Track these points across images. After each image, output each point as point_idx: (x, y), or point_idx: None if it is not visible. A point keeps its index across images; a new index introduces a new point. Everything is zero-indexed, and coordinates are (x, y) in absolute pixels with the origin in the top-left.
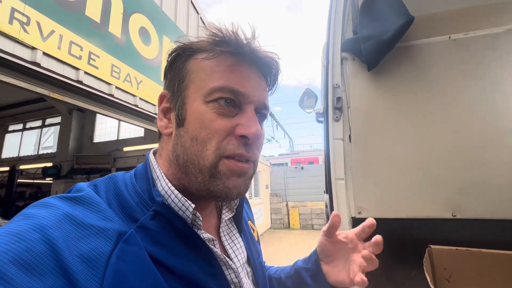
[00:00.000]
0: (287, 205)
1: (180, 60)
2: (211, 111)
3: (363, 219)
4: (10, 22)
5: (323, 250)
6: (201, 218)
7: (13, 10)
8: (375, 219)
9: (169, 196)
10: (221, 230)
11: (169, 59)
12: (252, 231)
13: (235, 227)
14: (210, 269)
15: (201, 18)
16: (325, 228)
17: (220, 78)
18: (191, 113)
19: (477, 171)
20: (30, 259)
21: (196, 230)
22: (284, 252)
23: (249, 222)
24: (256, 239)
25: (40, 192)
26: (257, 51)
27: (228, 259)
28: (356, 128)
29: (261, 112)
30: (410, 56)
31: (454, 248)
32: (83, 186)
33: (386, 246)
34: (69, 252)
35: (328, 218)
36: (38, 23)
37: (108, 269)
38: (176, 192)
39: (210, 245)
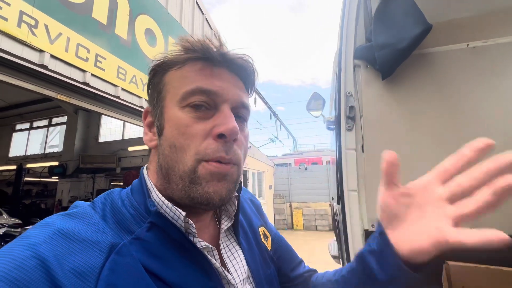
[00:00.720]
0: (290, 205)
1: (157, 76)
2: (186, 116)
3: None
4: (19, 25)
5: (386, 211)
6: (194, 225)
7: (21, 13)
8: None
9: (161, 207)
10: (220, 241)
11: (149, 77)
12: (265, 239)
13: (235, 237)
14: (208, 282)
15: (206, 18)
16: (383, 179)
17: (191, 81)
18: (168, 121)
19: None
20: (21, 276)
21: (192, 239)
22: None
23: (262, 228)
24: (269, 247)
25: (46, 191)
26: (226, 54)
27: (226, 273)
28: (369, 138)
29: (240, 112)
30: (426, 64)
31: (472, 265)
32: (80, 203)
33: None
34: (60, 266)
35: (338, 227)
36: (46, 26)
37: (100, 281)
38: (166, 202)
39: (209, 256)
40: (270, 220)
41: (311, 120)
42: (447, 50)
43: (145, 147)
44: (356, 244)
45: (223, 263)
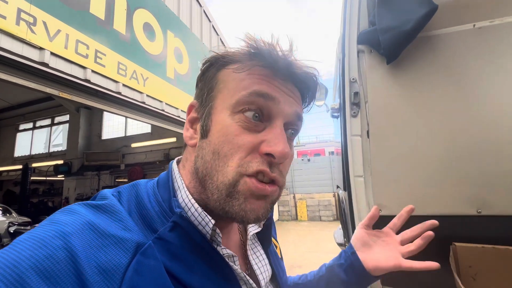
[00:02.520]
0: (294, 197)
1: (211, 70)
2: (236, 124)
3: (384, 217)
4: (17, 23)
5: (360, 240)
6: (220, 235)
7: (19, 10)
8: (396, 216)
9: (189, 209)
10: (248, 247)
11: (202, 68)
12: (275, 248)
13: (259, 242)
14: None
15: (204, 10)
16: (364, 221)
17: (249, 85)
18: (216, 124)
19: (504, 165)
20: (50, 266)
21: (215, 246)
22: (292, 244)
23: (273, 239)
24: (280, 256)
25: (53, 189)
26: (293, 65)
27: (248, 277)
28: (374, 124)
29: (294, 125)
30: (432, 46)
31: (479, 245)
32: (107, 194)
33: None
34: (88, 262)
35: (344, 214)
36: (45, 23)
37: (124, 283)
38: (196, 205)
39: (230, 262)
40: (275, 211)
41: (312, 111)
42: (453, 32)
43: (148, 143)
44: None
45: (245, 268)
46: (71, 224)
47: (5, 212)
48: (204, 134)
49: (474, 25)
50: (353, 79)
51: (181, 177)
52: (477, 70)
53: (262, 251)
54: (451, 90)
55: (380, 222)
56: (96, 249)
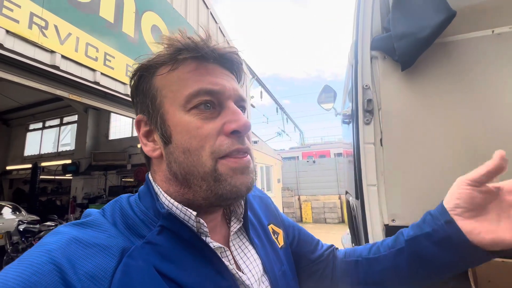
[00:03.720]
0: (299, 199)
1: (145, 81)
2: (194, 119)
3: (397, 227)
4: (30, 27)
5: (467, 202)
6: (205, 225)
7: (32, 14)
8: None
9: (170, 209)
10: (231, 243)
11: (132, 83)
12: (276, 236)
13: (247, 238)
14: (222, 283)
15: (211, 12)
16: (474, 176)
17: (192, 83)
18: (175, 126)
19: None
20: (38, 281)
21: (204, 238)
22: None
23: (271, 226)
24: (282, 243)
25: (61, 188)
26: (216, 49)
27: (241, 273)
28: (388, 132)
29: (240, 105)
30: (448, 53)
31: (499, 259)
32: (91, 211)
33: None
34: (74, 270)
35: (356, 222)
36: (56, 27)
37: (113, 284)
38: (176, 203)
39: (222, 256)
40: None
41: (318, 112)
42: (471, 38)
43: None
44: (376, 239)
45: (235, 264)
46: (55, 242)
47: (14, 210)
48: (167, 140)
49: (493, 31)
50: (366, 85)
51: (156, 184)
52: (496, 77)
53: (250, 247)
54: (469, 98)
55: (394, 233)
56: (82, 259)
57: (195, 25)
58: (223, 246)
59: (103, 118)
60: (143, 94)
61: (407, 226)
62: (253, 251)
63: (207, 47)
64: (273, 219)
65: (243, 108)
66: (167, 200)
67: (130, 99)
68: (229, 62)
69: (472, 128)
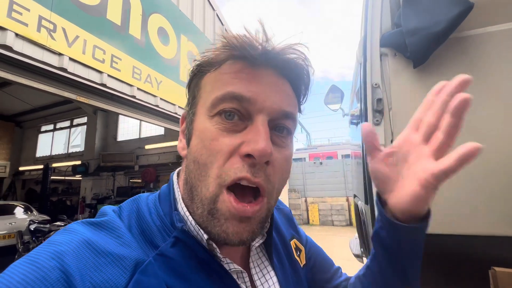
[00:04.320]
0: (306, 201)
1: (195, 79)
2: (213, 127)
3: None
4: (38, 30)
5: (379, 177)
6: (218, 250)
7: (40, 18)
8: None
9: (186, 222)
10: (250, 260)
11: (189, 80)
12: (298, 253)
13: (266, 256)
14: None
15: (217, 14)
16: (369, 149)
17: (223, 85)
18: (195, 131)
19: None
20: None
21: (220, 261)
22: None
23: (294, 241)
24: (304, 262)
25: (71, 188)
26: (270, 52)
27: None
28: (399, 133)
29: (281, 123)
30: (464, 48)
31: None
32: (107, 210)
33: (439, 266)
34: (83, 283)
35: (365, 227)
36: (64, 29)
37: None
38: (190, 218)
39: (239, 281)
40: None
41: (324, 113)
42: (490, 32)
43: (161, 145)
44: None
45: (253, 286)
46: (67, 243)
47: (26, 210)
48: (187, 142)
49: None
50: (375, 84)
51: (178, 187)
52: None
53: (270, 267)
54: (487, 96)
55: None
56: (93, 269)
57: (201, 26)
58: (240, 268)
59: (111, 120)
60: (189, 91)
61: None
62: (272, 273)
63: (256, 48)
64: (295, 233)
65: (285, 130)
66: (183, 211)
67: (136, 100)
68: (285, 67)
69: (492, 128)
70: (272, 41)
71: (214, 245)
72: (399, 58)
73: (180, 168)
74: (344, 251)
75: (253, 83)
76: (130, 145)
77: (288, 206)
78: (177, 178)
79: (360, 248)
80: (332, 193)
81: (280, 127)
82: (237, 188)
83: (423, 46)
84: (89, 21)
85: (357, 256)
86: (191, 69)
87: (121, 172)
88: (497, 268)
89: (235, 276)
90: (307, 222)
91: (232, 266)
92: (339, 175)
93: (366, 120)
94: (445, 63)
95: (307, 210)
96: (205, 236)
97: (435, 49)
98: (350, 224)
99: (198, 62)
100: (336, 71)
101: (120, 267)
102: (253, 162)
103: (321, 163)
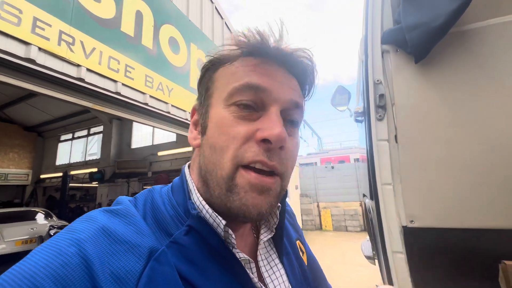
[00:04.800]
0: (318, 206)
1: (208, 73)
2: (230, 115)
3: (417, 229)
4: (59, 44)
5: None
6: (233, 236)
7: (60, 32)
8: (432, 229)
9: (201, 211)
10: (258, 253)
11: (200, 74)
12: (302, 253)
13: (275, 250)
14: None
15: (225, 23)
16: None
17: (240, 77)
18: (212, 119)
19: None
20: (65, 274)
21: (231, 249)
22: (316, 254)
23: (298, 242)
24: (306, 263)
25: (88, 195)
26: (283, 50)
27: None
28: (403, 127)
29: (292, 114)
30: (466, 42)
31: None
32: (123, 199)
33: (448, 260)
34: (102, 268)
35: (372, 224)
36: (82, 42)
37: None
38: (207, 206)
39: (247, 269)
40: (298, 221)
41: (335, 117)
42: (492, 25)
43: (173, 151)
44: (394, 242)
45: (260, 278)
46: (85, 230)
47: (47, 216)
48: (203, 131)
49: None
50: (377, 80)
51: (191, 178)
52: None
53: (277, 260)
54: (490, 89)
55: (413, 235)
56: (110, 255)
57: (210, 34)
58: (248, 258)
59: (126, 128)
60: (202, 85)
61: (427, 229)
62: (280, 266)
63: (271, 46)
64: (299, 235)
65: (294, 122)
66: (198, 200)
67: (148, 107)
68: (294, 66)
69: (496, 120)
70: (285, 40)
71: (230, 231)
72: (401, 54)
73: (190, 161)
74: (356, 257)
75: (269, 76)
76: (143, 152)
77: (299, 210)
78: (189, 170)
79: (373, 251)
80: (345, 198)
81: (289, 119)
82: (252, 171)
83: (423, 41)
84: (105, 33)
85: (368, 257)
86: (204, 64)
87: (135, 178)
88: (507, 262)
89: (243, 265)
90: (320, 228)
91: (242, 255)
92: (351, 179)
93: (369, 117)
94: (446, 57)
95: (320, 215)
96: (223, 222)
97: (436, 43)
98: (365, 229)
99: (210, 58)
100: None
101: (135, 255)
102: (268, 147)
103: (332, 167)
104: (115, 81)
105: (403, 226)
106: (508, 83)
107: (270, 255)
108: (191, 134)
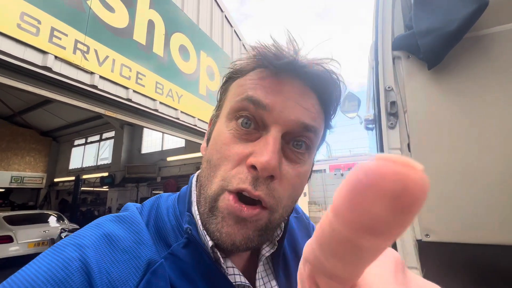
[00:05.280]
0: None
1: (225, 85)
2: (228, 132)
3: (432, 243)
4: (74, 52)
5: None
6: (222, 261)
7: (76, 41)
8: (449, 243)
9: (196, 224)
10: (257, 276)
11: (221, 85)
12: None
13: (273, 270)
14: None
15: (235, 31)
16: None
17: (244, 90)
18: (215, 132)
19: None
20: (64, 277)
21: (224, 270)
22: None
23: None
24: None
25: (99, 199)
26: (297, 62)
27: None
28: (416, 136)
29: (300, 137)
30: (482, 47)
31: None
32: (130, 206)
33: (466, 277)
34: (100, 276)
35: None
36: (96, 51)
37: None
38: (199, 223)
39: None
40: None
41: (345, 124)
42: (509, 29)
43: (182, 156)
44: (408, 257)
45: None
46: (89, 236)
47: (58, 219)
48: (208, 143)
49: None
50: (388, 87)
51: (195, 189)
52: None
53: (274, 282)
54: (509, 96)
55: (428, 250)
56: (110, 263)
57: (219, 42)
58: (246, 283)
59: (136, 134)
60: (219, 96)
61: (443, 243)
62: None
63: (282, 57)
64: None
65: (301, 143)
66: (195, 213)
67: (158, 113)
68: (313, 79)
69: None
70: (302, 51)
71: (218, 253)
72: (413, 60)
73: (199, 171)
74: None
75: (274, 92)
76: (153, 157)
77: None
78: (196, 181)
79: None
80: None
81: (299, 141)
82: (240, 195)
83: (436, 46)
84: (118, 42)
85: None
86: (224, 76)
87: (144, 183)
88: None
89: None
90: None
91: (238, 279)
92: None
93: (380, 124)
94: (461, 63)
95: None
96: (210, 243)
97: (450, 48)
98: None
99: (231, 70)
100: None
101: (133, 265)
102: (256, 174)
103: (342, 175)
104: (126, 88)
105: (417, 240)
106: None
107: (267, 275)
108: (204, 143)
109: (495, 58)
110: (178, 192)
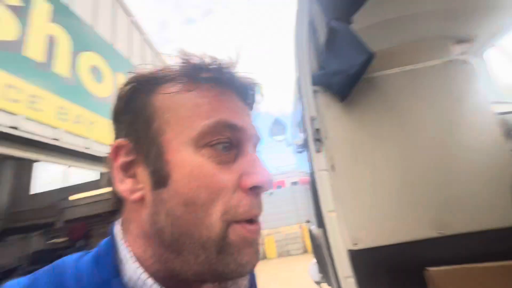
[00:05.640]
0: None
1: (139, 96)
2: (207, 161)
3: (360, 251)
4: None
5: None
6: None
7: None
8: (371, 249)
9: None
10: None
11: (122, 96)
12: None
13: None
14: None
15: (156, 53)
16: None
17: (208, 112)
18: (179, 167)
19: (453, 187)
20: None
21: None
22: None
23: None
24: None
25: None
26: (238, 77)
27: None
28: (337, 158)
29: (256, 146)
30: (374, 86)
31: (450, 267)
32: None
33: (389, 276)
34: None
35: (320, 251)
36: None
37: None
38: (149, 282)
39: None
40: None
41: (269, 145)
42: (389, 74)
43: (95, 192)
44: (343, 267)
45: None
46: None
47: None
48: (161, 182)
49: (401, 69)
50: (312, 117)
51: (129, 245)
52: (410, 105)
53: None
54: (396, 123)
55: (358, 258)
56: None
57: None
58: None
59: (24, 169)
60: (133, 112)
61: (369, 249)
62: None
63: (229, 71)
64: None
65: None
66: (135, 272)
67: (60, 144)
68: (248, 95)
69: (404, 149)
70: (237, 67)
71: None
72: (329, 93)
73: (122, 218)
74: (303, 280)
75: (238, 111)
76: (50, 197)
77: None
78: (123, 232)
79: (320, 274)
80: (286, 222)
81: (257, 152)
82: (245, 223)
83: (343, 84)
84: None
85: (317, 282)
86: (127, 81)
87: (36, 232)
88: (430, 268)
89: None
90: (265, 257)
91: None
92: (289, 203)
93: (308, 149)
94: (363, 97)
95: (264, 244)
96: None
97: (353, 87)
98: (306, 251)
99: (141, 75)
100: (276, 107)
101: None
102: (257, 194)
103: (271, 194)
104: (12, 113)
105: (348, 250)
106: (405, 117)
107: None
108: (123, 184)
109: (381, 94)
110: (91, 252)
